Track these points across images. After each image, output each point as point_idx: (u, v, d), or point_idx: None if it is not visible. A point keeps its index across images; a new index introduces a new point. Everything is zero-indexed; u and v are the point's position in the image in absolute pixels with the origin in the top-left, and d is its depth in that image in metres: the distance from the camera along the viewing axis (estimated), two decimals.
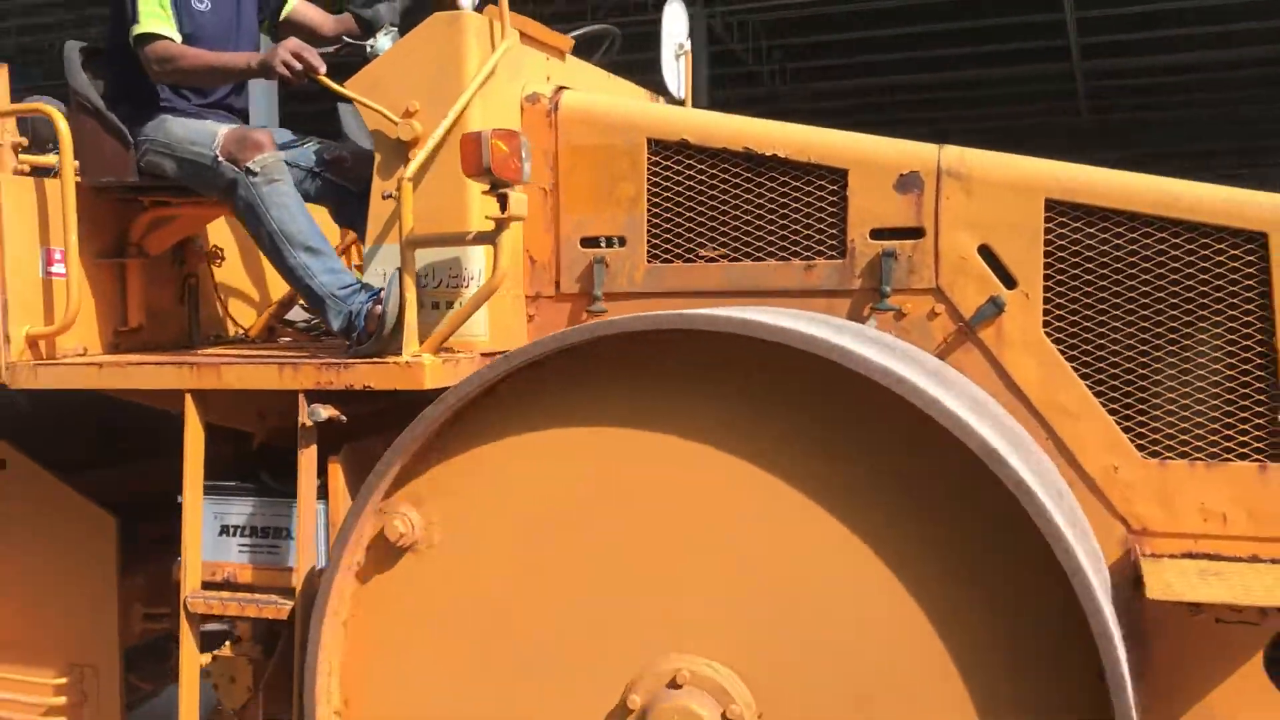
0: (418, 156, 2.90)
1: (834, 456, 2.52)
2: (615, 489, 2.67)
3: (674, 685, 2.56)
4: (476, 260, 3.03)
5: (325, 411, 2.86)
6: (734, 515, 2.59)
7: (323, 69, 3.04)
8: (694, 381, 2.61)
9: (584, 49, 3.81)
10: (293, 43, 3.05)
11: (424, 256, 3.00)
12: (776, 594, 2.57)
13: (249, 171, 3.10)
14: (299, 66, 3.02)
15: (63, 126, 3.21)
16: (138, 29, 3.19)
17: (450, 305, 3.05)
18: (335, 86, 3.04)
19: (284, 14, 3.59)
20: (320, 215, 3.43)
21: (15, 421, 3.69)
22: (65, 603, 3.60)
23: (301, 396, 2.89)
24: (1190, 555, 2.79)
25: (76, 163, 3.28)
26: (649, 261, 3.16)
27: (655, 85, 4.21)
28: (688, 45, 4.30)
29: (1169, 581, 2.55)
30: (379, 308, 2.92)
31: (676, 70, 4.25)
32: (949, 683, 2.46)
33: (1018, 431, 2.74)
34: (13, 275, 3.20)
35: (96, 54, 3.53)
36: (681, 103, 4.30)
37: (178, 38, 3.24)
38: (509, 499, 2.75)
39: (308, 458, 2.93)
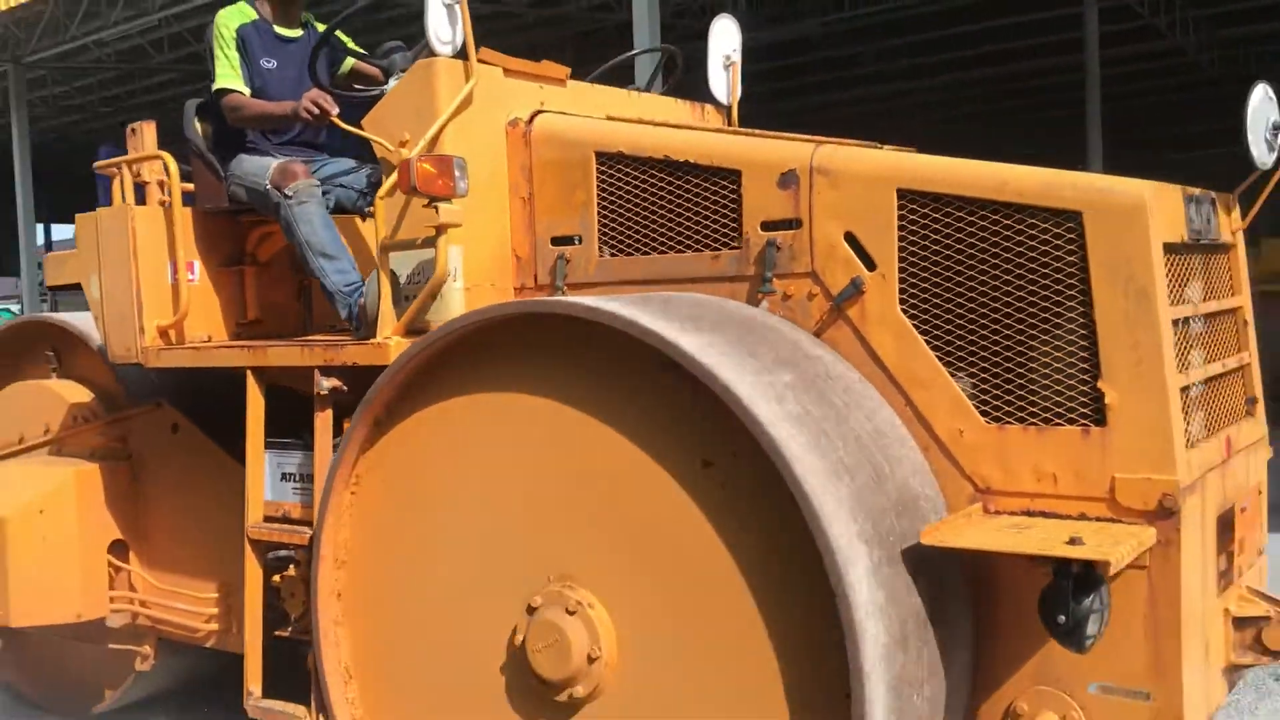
0: (391, 176, 3.62)
1: (645, 410, 3.03)
2: (505, 447, 3.30)
3: (550, 602, 3.16)
4: (452, 259, 3.71)
5: (328, 383, 3.67)
6: (586, 465, 3.15)
7: (334, 111, 3.83)
8: (553, 355, 3.20)
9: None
10: (313, 92, 3.87)
11: (406, 259, 3.73)
12: (619, 527, 3.11)
13: (285, 195, 3.96)
14: (316, 111, 3.83)
15: (172, 169, 4.23)
16: (214, 85, 4.15)
17: None
18: (345, 125, 3.83)
19: (343, 70, 4.44)
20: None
21: (188, 397, 4.76)
22: (218, 537, 4.60)
23: (316, 371, 3.72)
24: (1028, 513, 3.04)
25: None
26: (600, 256, 3.73)
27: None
28: (736, 57, 4.74)
29: (946, 532, 2.86)
30: (363, 301, 3.70)
31: (725, 80, 4.72)
32: (742, 596, 2.90)
33: (830, 398, 3.03)
34: (146, 282, 4.26)
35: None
36: (729, 109, 4.78)
37: (246, 91, 4.16)
38: (433, 455, 3.46)
39: (323, 419, 3.75)
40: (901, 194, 3.18)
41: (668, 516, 2.99)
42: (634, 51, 4.77)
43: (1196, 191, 3.35)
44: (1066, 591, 2.67)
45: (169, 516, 4.76)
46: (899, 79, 20.96)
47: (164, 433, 4.69)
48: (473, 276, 3.72)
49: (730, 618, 2.90)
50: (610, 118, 3.99)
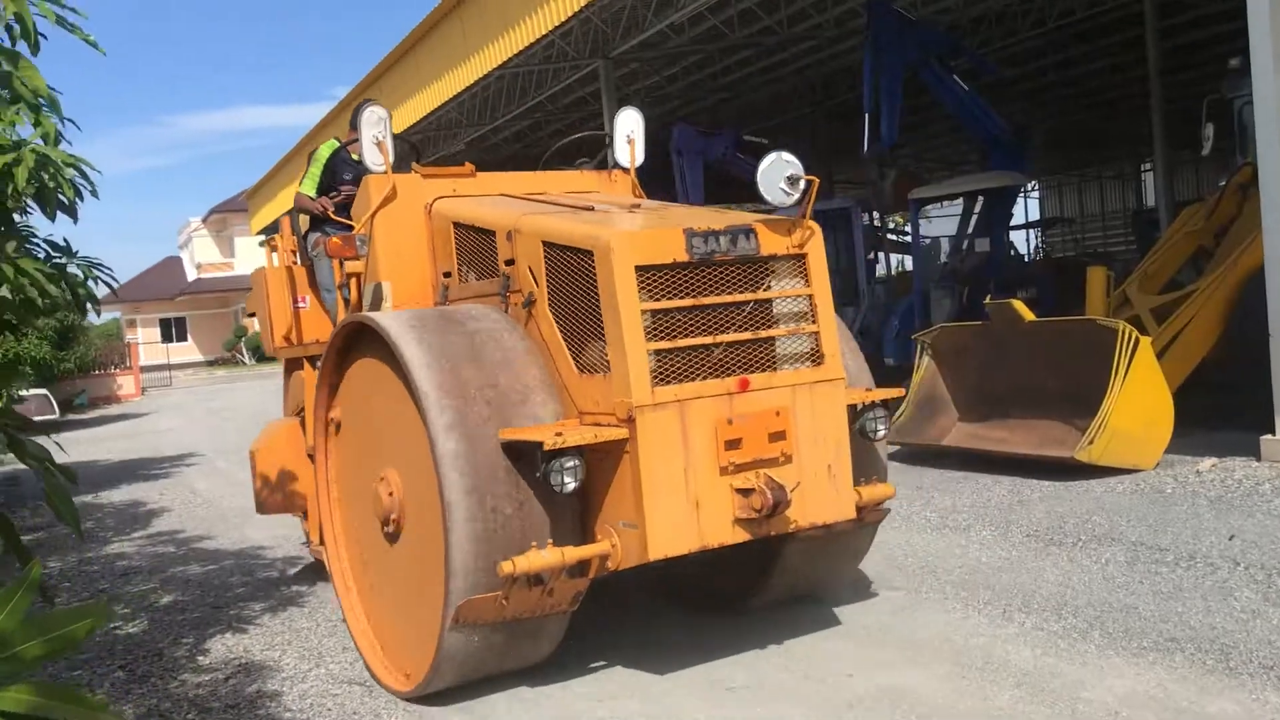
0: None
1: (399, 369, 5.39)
2: (370, 396, 5.86)
3: (379, 477, 5.65)
4: (385, 289, 6.32)
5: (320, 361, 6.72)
6: (389, 400, 5.56)
7: (322, 210, 7.20)
8: (378, 344, 5.54)
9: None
10: (323, 200, 7.23)
11: (368, 290, 6.49)
12: (397, 434, 5.52)
13: (317, 255, 7.05)
14: (319, 210, 7.01)
15: (279, 243, 7.68)
16: (298, 189, 7.47)
17: None
18: (335, 218, 7.04)
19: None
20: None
21: None
22: None
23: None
24: (597, 424, 5.02)
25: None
26: (458, 282, 6.20)
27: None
28: (636, 135, 6.84)
29: (516, 431, 5.04)
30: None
31: (627, 151, 6.87)
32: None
33: (497, 377, 5.17)
34: (275, 309, 7.76)
35: None
36: (627, 170, 6.96)
37: (313, 193, 7.41)
38: (351, 401, 6.13)
39: (313, 378, 7.03)
40: (544, 244, 5.30)
41: (411, 428, 5.30)
42: (565, 139, 7.27)
43: (706, 228, 5.02)
44: (542, 460, 4.75)
45: None
46: None
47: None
48: (399, 299, 6.30)
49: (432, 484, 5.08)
50: (503, 194, 6.42)
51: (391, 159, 6.30)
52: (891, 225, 21.76)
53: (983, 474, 10.00)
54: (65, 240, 6.33)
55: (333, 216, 7.26)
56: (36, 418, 29.60)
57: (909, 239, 29.28)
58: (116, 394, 41.53)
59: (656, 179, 18.48)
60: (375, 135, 6.17)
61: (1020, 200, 47.41)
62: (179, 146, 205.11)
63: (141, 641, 7.08)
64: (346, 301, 6.75)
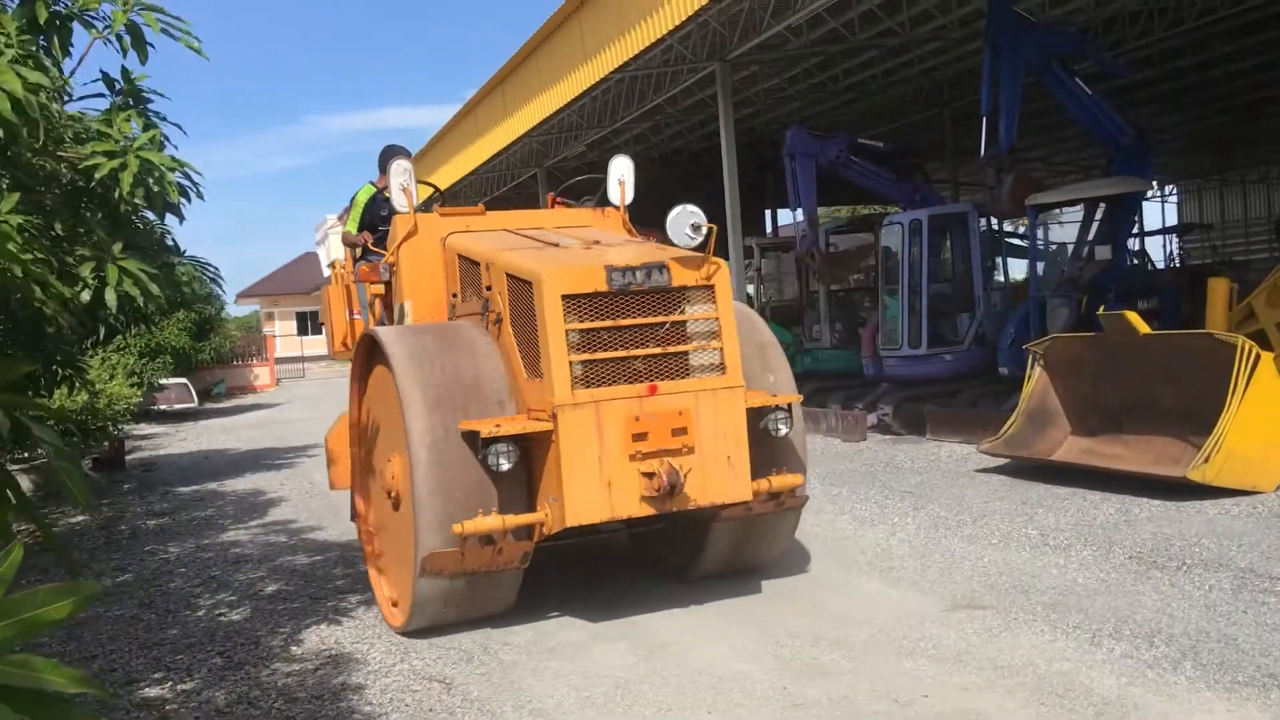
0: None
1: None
2: (382, 390, 6.77)
3: (386, 457, 6.72)
4: (407, 308, 7.47)
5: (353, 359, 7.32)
6: (395, 412, 6.42)
7: (363, 243, 8.40)
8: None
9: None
10: (364, 234, 8.20)
11: (397, 309, 7.59)
12: (400, 434, 6.31)
13: (356, 280, 7.74)
14: (359, 243, 8.03)
15: (348, 267, 8.61)
16: (343, 228, 8.32)
17: None
18: (372, 248, 8.18)
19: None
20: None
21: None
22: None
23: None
24: (537, 419, 6.26)
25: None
26: (462, 301, 7.16)
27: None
28: (627, 178, 8.03)
29: (473, 423, 6.17)
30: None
31: (618, 192, 8.06)
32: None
33: (463, 374, 6.44)
34: (335, 320, 8.67)
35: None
36: (618, 207, 8.09)
37: (355, 230, 8.42)
38: (373, 395, 7.03)
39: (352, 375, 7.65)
40: (507, 275, 6.40)
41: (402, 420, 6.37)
42: (570, 181, 8.91)
43: (625, 264, 6.22)
44: (481, 445, 6.11)
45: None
46: None
47: None
48: (419, 314, 7.64)
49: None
50: (505, 229, 7.57)
51: (415, 202, 7.60)
52: (1023, 231, 21.19)
53: (1091, 491, 9.68)
54: (174, 240, 6.62)
55: (371, 248, 8.55)
56: (176, 405, 30.93)
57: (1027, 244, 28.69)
58: (252, 384, 43.11)
59: (781, 179, 18.40)
60: (401, 182, 7.47)
61: (1159, 205, 46.03)
62: (320, 146, 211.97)
63: (242, 629, 7.34)
64: (373, 317, 8.29)
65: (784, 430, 6.72)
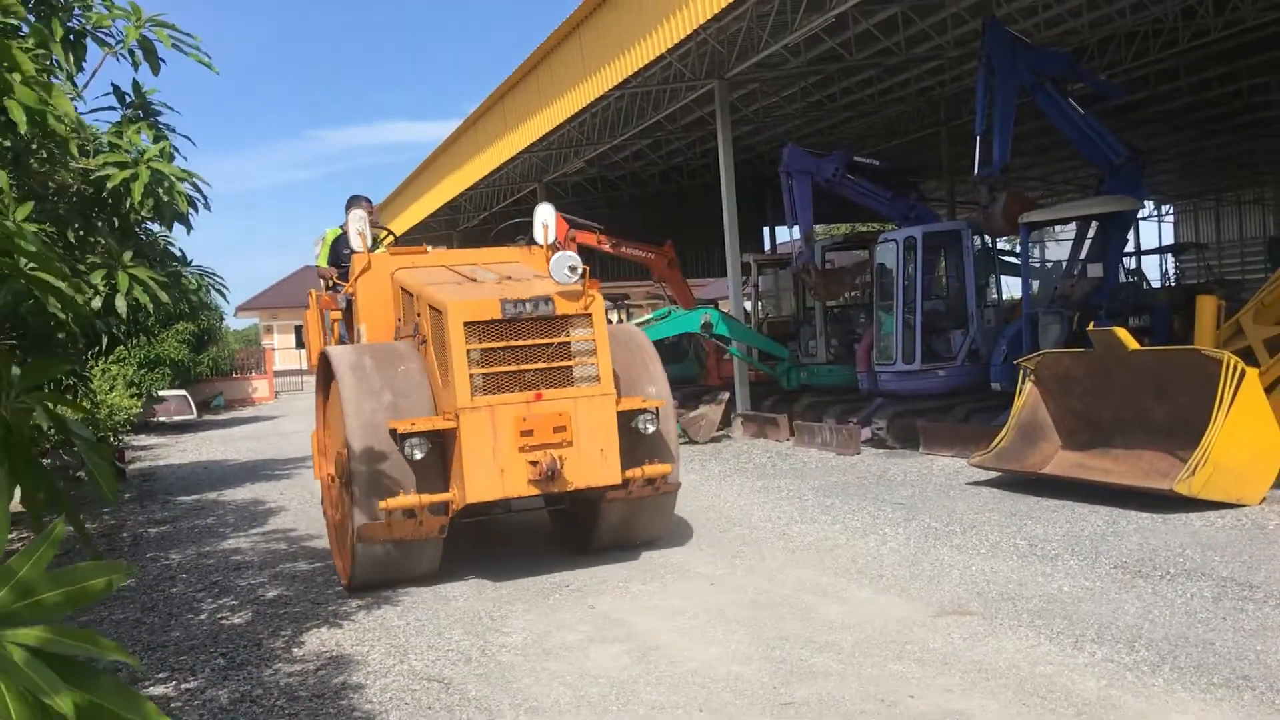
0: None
1: None
2: (337, 405, 7.93)
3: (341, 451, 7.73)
4: (362, 330, 8.55)
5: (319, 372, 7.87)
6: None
7: (329, 276, 9.98)
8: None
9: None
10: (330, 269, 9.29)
11: (356, 332, 8.61)
12: (340, 426, 7.53)
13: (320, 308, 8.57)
14: (327, 276, 9.48)
15: (320, 300, 9.53)
16: (316, 262, 9.59)
17: None
18: (337, 280, 9.44)
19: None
20: None
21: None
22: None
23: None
24: (446, 419, 7.76)
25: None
26: (401, 327, 8.09)
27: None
28: (550, 222, 9.52)
29: (403, 423, 7.56)
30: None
31: (542, 232, 9.50)
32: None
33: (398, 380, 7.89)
34: (312, 340, 9.85)
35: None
36: (543, 247, 9.57)
37: (325, 264, 9.77)
38: (331, 408, 8.26)
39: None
40: (429, 305, 7.51)
41: None
42: (502, 225, 9.65)
43: (517, 298, 7.80)
44: (399, 439, 7.69)
45: None
46: None
47: None
48: (372, 336, 9.20)
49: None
50: (443, 266, 8.97)
51: (369, 244, 9.37)
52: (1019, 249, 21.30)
53: (1080, 503, 9.84)
54: (181, 250, 6.79)
55: (336, 281, 10.26)
56: (175, 417, 31.05)
57: (1033, 263, 28.82)
58: (251, 396, 43.19)
59: (779, 196, 18.57)
60: (358, 228, 9.15)
61: (1156, 225, 46.26)
62: (324, 160, 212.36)
63: (244, 632, 7.47)
64: (333, 338, 10.07)
65: (651, 429, 8.24)
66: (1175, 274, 32.31)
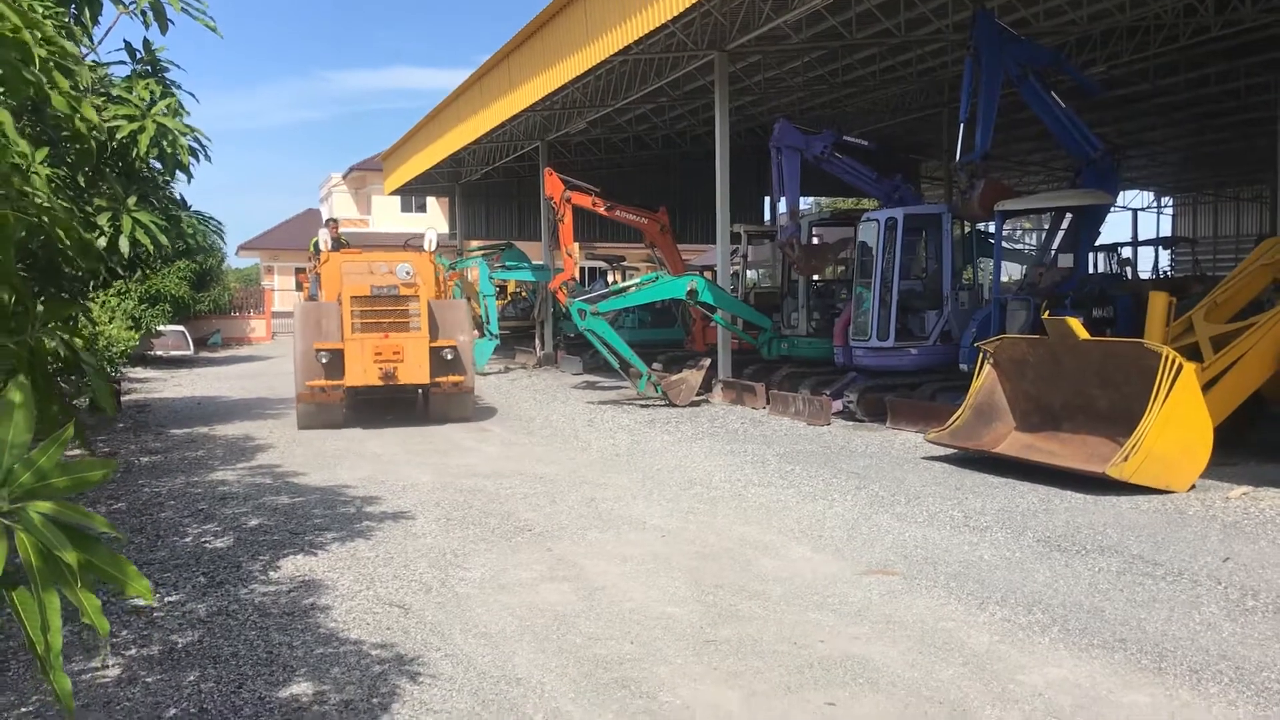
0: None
1: None
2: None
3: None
4: (323, 298, 11.49)
5: None
6: None
7: (312, 265, 13.13)
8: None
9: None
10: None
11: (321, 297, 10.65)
12: None
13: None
14: (311, 265, 11.45)
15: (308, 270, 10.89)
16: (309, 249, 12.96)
17: None
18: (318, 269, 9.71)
19: None
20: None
21: None
22: None
23: None
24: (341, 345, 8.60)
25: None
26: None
27: None
28: (433, 239, 17.86)
29: None
30: None
31: (428, 244, 17.65)
32: None
33: None
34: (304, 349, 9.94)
35: None
36: (429, 253, 17.58)
37: (311, 252, 13.61)
38: None
39: None
40: (341, 284, 10.60)
41: None
42: (410, 237, 11.76)
43: (382, 284, 15.52)
44: (316, 353, 15.20)
45: None
46: None
47: None
48: (328, 296, 16.65)
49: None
50: (365, 261, 16.90)
51: (329, 247, 17.16)
52: (1005, 234, 21.80)
53: (1022, 481, 10.41)
54: (181, 196, 7.29)
55: (318, 270, 17.35)
56: (172, 352, 31.60)
57: (1018, 248, 29.32)
58: (249, 336, 43.79)
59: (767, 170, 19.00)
60: (322, 238, 17.67)
61: (1155, 216, 46.64)
62: (334, 101, 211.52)
63: (225, 555, 8.05)
64: (313, 298, 17.38)
65: (450, 356, 15.50)
66: (1170, 267, 32.76)
